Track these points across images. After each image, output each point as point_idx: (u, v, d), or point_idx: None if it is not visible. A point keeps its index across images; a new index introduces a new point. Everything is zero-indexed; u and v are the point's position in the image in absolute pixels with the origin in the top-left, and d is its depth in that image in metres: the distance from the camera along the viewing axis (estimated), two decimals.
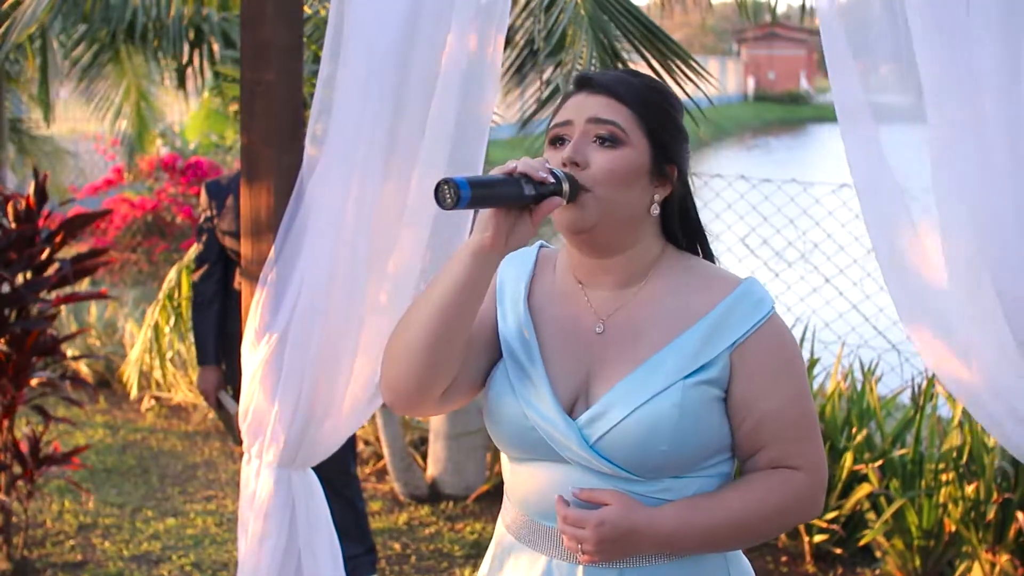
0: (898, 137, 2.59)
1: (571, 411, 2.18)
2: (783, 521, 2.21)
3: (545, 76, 5.13)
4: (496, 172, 2.08)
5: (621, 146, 2.14)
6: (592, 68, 4.70)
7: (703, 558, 2.21)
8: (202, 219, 5.14)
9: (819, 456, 2.21)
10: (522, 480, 2.25)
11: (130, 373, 6.86)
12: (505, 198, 2.06)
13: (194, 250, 5.62)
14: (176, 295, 6.38)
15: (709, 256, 2.30)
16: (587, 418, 2.15)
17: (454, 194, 1.98)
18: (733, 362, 2.14)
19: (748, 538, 2.20)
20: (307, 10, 4.56)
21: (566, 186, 2.09)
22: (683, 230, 2.26)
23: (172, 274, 6.43)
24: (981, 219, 2.50)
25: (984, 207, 2.50)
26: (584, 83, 2.21)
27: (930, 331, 2.60)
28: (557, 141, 2.19)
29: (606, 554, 2.12)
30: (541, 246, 2.39)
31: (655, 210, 2.19)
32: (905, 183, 2.58)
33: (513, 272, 2.33)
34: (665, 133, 2.18)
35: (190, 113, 15.88)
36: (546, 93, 5.18)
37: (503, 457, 2.32)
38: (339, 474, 4.78)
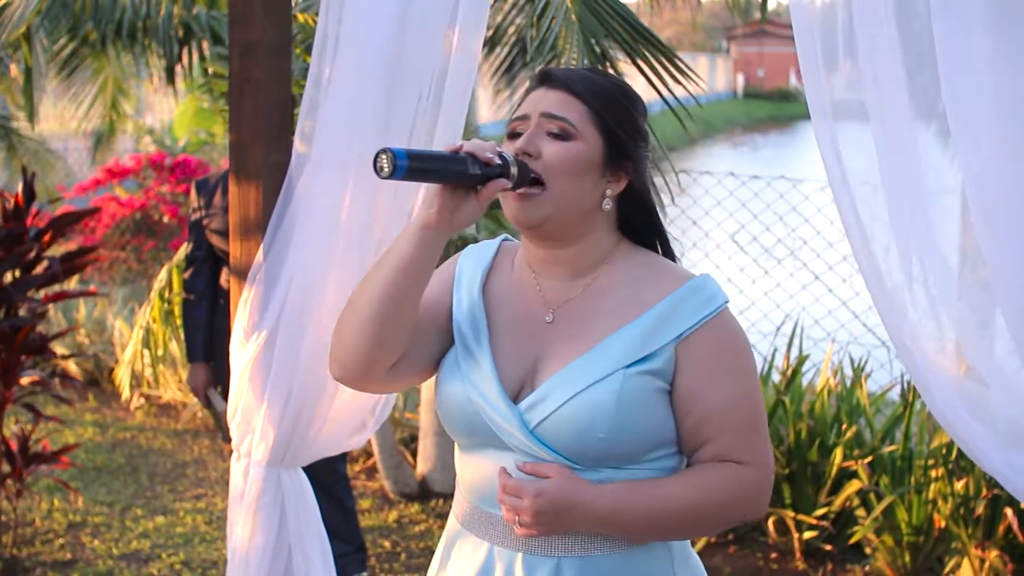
0: (868, 135, 2.58)
1: (518, 398, 2.20)
2: (728, 514, 2.21)
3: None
4: (443, 149, 2.12)
5: (572, 139, 2.18)
6: (584, 65, 4.70)
7: (646, 552, 2.21)
8: (192, 218, 5.15)
9: (766, 453, 2.21)
10: (469, 467, 2.28)
11: (123, 375, 6.86)
12: (447, 174, 2.10)
13: (184, 248, 5.63)
14: (167, 293, 6.37)
15: (669, 254, 2.32)
16: (528, 403, 2.17)
17: (391, 163, 2.03)
18: (679, 355, 2.16)
19: (690, 528, 2.21)
20: None
21: (514, 169, 2.14)
22: (640, 226, 2.29)
23: (163, 273, 6.42)
24: (933, 217, 2.50)
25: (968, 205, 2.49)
26: (544, 78, 2.26)
27: (904, 336, 2.60)
28: (514, 134, 2.24)
29: (543, 527, 2.12)
30: (504, 239, 2.43)
31: (607, 204, 2.22)
32: (868, 179, 2.58)
33: (472, 262, 2.37)
34: (620, 130, 2.22)
35: (177, 110, 15.87)
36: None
37: (455, 447, 2.35)
38: (328, 473, 4.78)
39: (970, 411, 2.50)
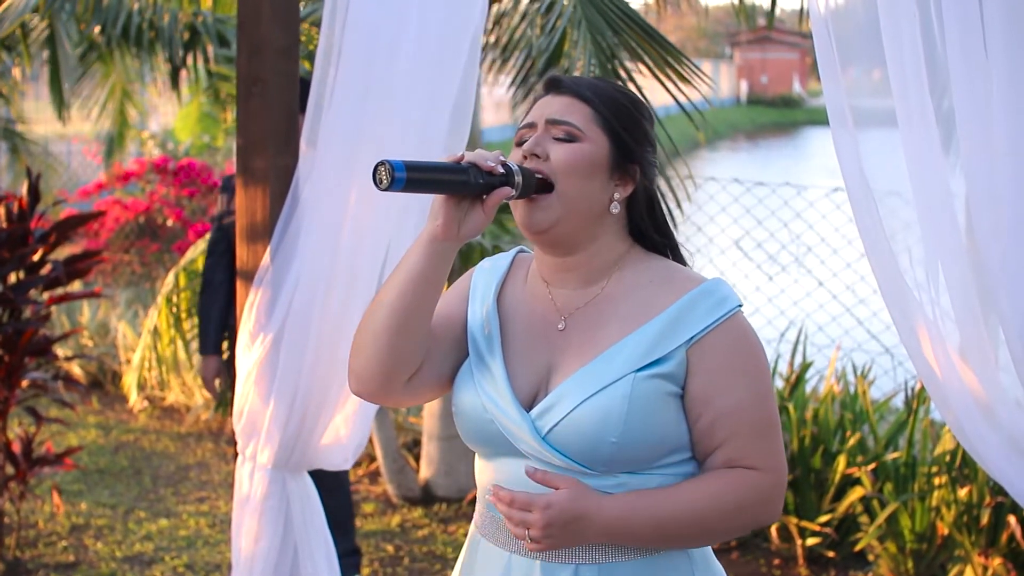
0: (892, 142, 2.59)
1: (532, 405, 2.20)
2: (739, 520, 2.18)
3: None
4: (444, 159, 2.12)
5: (578, 141, 2.19)
6: (592, 73, 4.71)
7: (665, 558, 2.20)
8: (216, 211, 5.25)
9: (778, 458, 2.19)
10: (486, 475, 2.28)
11: (130, 381, 6.86)
12: (448, 185, 2.09)
13: (203, 241, 5.70)
14: (174, 298, 6.38)
15: (679, 258, 2.32)
16: (540, 409, 2.17)
17: (389, 175, 2.02)
18: (690, 358, 2.15)
19: (702, 534, 2.18)
20: None
21: (518, 178, 2.13)
22: (650, 231, 2.28)
23: (169, 277, 6.42)
24: (965, 225, 2.50)
25: (971, 213, 2.50)
26: (551, 85, 2.27)
27: (919, 341, 2.60)
28: (522, 142, 2.24)
29: (553, 539, 2.11)
30: (520, 251, 2.43)
31: (615, 208, 2.22)
32: (892, 188, 2.59)
33: (487, 274, 2.37)
34: (626, 133, 2.22)
35: (179, 113, 15.87)
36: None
37: (475, 454, 2.34)
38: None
39: (981, 414, 2.50)
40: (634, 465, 2.14)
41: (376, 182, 2.03)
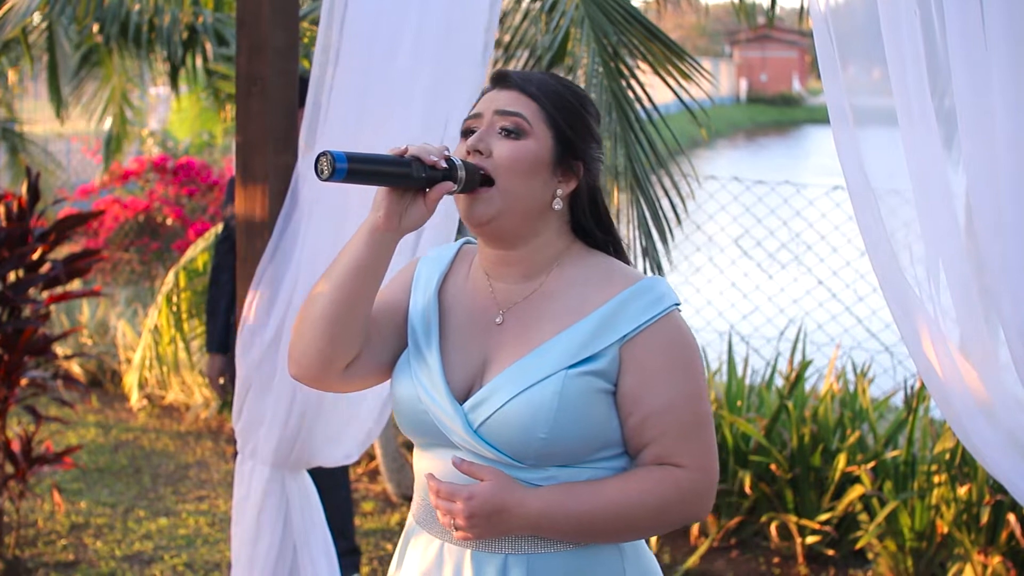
0: (893, 140, 2.59)
1: (468, 398, 2.22)
2: (665, 517, 2.20)
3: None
4: (388, 152, 2.14)
5: (524, 137, 2.20)
6: (597, 71, 4.71)
7: (594, 551, 2.22)
8: (226, 213, 5.26)
9: (707, 457, 2.21)
10: (421, 465, 2.30)
11: (131, 381, 6.86)
12: (391, 177, 2.12)
13: (204, 241, 5.70)
14: (175, 298, 6.38)
15: (621, 255, 2.33)
16: (472, 403, 2.19)
17: (329, 166, 2.04)
18: (623, 356, 2.17)
19: (627, 531, 2.20)
20: None
21: (461, 173, 2.15)
22: (592, 228, 2.30)
23: (169, 276, 6.42)
24: (967, 224, 2.50)
25: (972, 212, 2.49)
26: (499, 79, 2.29)
27: (919, 339, 2.59)
28: (468, 133, 2.26)
29: (478, 530, 2.15)
30: (466, 242, 2.45)
31: (557, 204, 2.24)
32: (893, 186, 2.59)
33: (430, 265, 2.39)
34: (571, 129, 2.24)
35: (178, 110, 15.87)
36: None
37: (414, 445, 2.36)
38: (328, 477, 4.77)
39: (982, 412, 2.50)
40: (564, 459, 2.17)
41: (317, 172, 2.06)
